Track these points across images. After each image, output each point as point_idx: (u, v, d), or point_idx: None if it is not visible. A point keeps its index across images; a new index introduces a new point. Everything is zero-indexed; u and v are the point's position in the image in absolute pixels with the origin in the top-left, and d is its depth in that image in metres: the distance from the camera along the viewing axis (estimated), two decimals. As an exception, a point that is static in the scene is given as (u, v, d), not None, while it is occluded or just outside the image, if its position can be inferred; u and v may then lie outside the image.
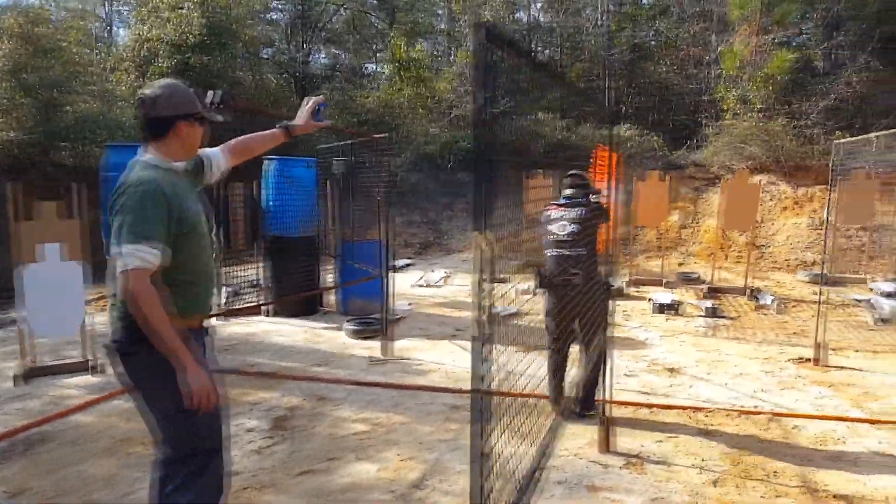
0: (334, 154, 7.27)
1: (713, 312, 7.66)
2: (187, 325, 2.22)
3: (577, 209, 4.32)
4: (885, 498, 3.24)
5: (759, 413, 4.43)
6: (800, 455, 3.76)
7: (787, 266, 10.55)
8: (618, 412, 4.47)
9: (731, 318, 7.53)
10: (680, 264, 11.07)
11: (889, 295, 8.51)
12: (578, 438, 3.97)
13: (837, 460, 3.69)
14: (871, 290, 8.87)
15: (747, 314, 7.76)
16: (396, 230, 13.99)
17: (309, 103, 2.71)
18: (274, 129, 2.68)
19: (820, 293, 5.79)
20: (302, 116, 2.69)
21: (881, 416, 4.37)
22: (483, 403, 1.66)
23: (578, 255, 4.17)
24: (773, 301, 8.23)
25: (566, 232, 4.24)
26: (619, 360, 5.68)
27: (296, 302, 7.56)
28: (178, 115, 2.25)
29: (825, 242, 5.92)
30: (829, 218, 6.15)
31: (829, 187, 5.65)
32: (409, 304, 8.27)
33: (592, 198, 4.42)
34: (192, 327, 2.28)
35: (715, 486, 3.36)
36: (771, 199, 12.01)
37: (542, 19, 25.56)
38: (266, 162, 7.45)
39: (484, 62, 1.53)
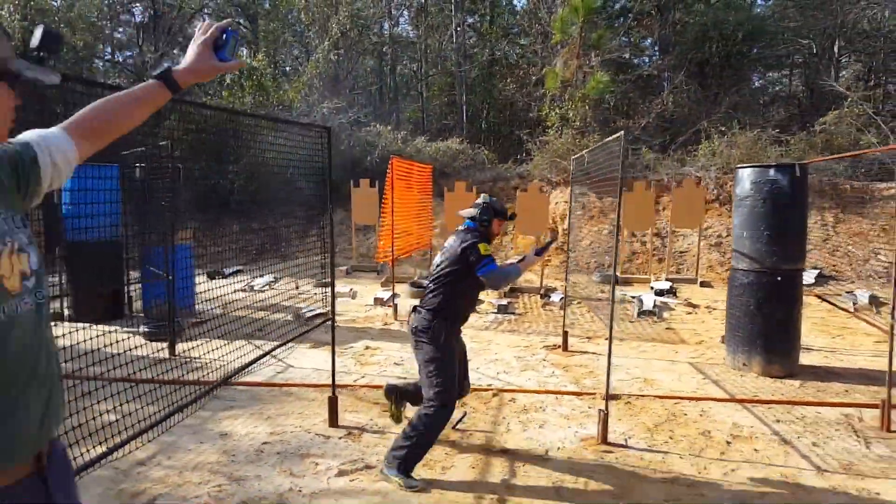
0: (138, 159, 7.31)
1: (504, 309, 8.46)
2: None
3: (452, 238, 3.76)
4: (544, 450, 3.93)
5: (487, 390, 5.09)
6: (500, 421, 4.42)
7: (588, 268, 11.72)
8: (373, 394, 5.00)
9: (518, 314, 8.35)
10: (497, 268, 11.96)
11: (660, 293, 9.77)
12: (315, 417, 4.41)
13: (527, 424, 4.38)
14: (652, 288, 10.11)
15: (533, 310, 8.63)
16: (233, 236, 13.99)
17: (207, 31, 1.53)
18: (147, 83, 1.51)
19: (565, 290, 6.64)
20: (194, 54, 1.53)
21: (587, 390, 5.16)
22: None
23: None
24: (560, 299, 9.18)
25: (435, 263, 3.79)
26: (394, 352, 6.26)
27: (99, 306, 7.53)
28: None
29: (567, 244, 6.78)
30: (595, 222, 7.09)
31: (570, 196, 6.49)
32: (224, 307, 8.43)
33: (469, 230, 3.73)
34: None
35: (413, 449, 3.91)
36: (581, 209, 13.24)
37: (408, 34, 26.46)
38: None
39: None
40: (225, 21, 1.57)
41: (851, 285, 10.22)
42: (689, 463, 3.77)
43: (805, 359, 6.18)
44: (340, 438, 4.05)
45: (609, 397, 4.98)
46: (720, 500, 3.32)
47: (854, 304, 8.72)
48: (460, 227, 3.77)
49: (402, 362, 5.98)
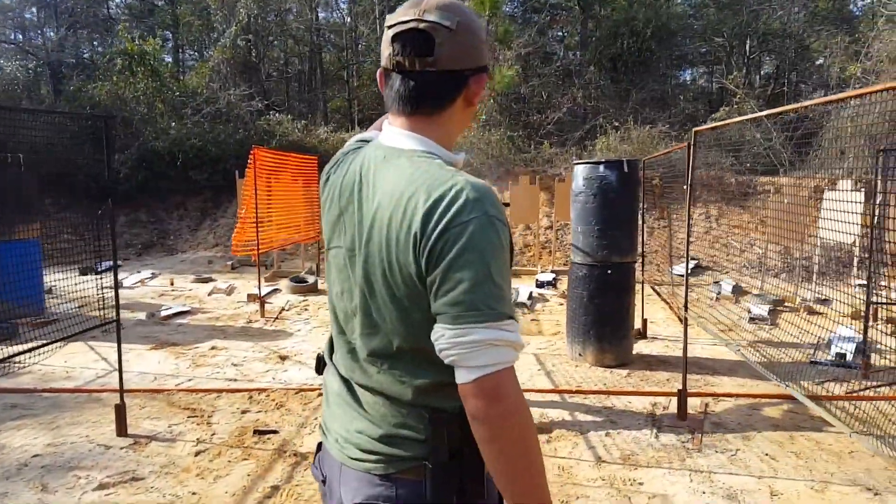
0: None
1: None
2: None
3: None
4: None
5: (313, 390, 4.99)
6: (308, 423, 4.33)
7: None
8: (188, 398, 4.82)
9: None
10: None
11: (541, 284, 9.88)
12: (110, 425, 4.20)
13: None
14: (536, 280, 10.21)
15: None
16: (118, 229, 13.46)
17: None
18: None
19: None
20: None
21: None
22: None
23: None
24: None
25: None
26: (239, 352, 6.10)
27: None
28: (476, 69, 1.22)
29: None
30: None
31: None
32: (80, 306, 8.05)
33: None
34: None
35: (196, 456, 3.78)
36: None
37: (339, 19, 25.80)
38: None
39: None
40: None
41: (725, 275, 10.60)
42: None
43: (647, 348, 6.36)
44: (122, 448, 3.88)
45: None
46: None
47: (717, 293, 9.04)
48: None
49: (241, 363, 5.82)
